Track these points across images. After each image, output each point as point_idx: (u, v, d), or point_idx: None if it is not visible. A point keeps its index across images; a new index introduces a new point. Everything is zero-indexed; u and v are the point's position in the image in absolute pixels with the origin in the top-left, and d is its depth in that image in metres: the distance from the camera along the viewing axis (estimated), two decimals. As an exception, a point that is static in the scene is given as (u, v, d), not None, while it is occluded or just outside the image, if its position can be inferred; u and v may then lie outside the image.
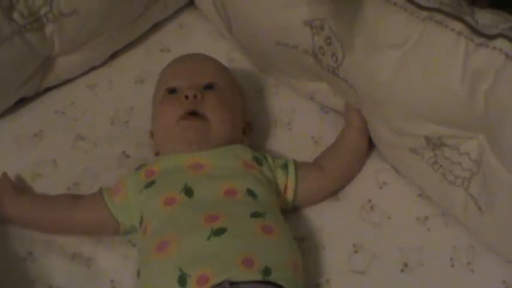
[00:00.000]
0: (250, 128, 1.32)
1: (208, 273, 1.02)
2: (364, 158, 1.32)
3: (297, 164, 1.25)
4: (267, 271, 1.04)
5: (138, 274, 1.12)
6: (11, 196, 1.25)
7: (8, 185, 1.27)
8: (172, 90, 1.27)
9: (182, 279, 1.03)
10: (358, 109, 1.29)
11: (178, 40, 1.58)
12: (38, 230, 1.24)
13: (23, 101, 1.44)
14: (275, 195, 1.21)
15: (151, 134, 1.32)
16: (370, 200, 1.27)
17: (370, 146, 1.32)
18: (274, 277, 1.04)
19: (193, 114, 1.22)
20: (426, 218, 1.23)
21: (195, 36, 1.59)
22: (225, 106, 1.24)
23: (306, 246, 1.22)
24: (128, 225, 1.20)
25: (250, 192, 1.16)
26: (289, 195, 1.24)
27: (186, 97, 1.23)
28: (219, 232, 1.07)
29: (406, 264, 1.18)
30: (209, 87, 1.26)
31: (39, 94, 1.46)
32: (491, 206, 1.08)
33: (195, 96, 1.23)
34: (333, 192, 1.28)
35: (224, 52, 1.52)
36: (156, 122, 1.29)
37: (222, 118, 1.23)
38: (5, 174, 1.29)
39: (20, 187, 1.30)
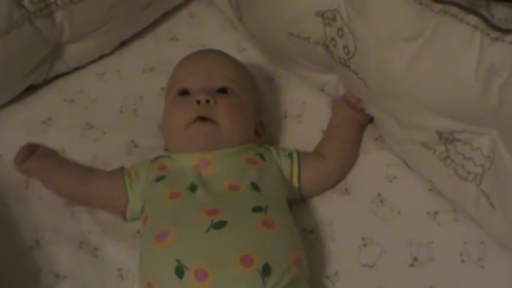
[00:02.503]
0: (262, 127, 1.31)
1: (206, 268, 1.03)
2: (355, 142, 1.32)
3: (299, 152, 1.26)
4: (265, 269, 1.03)
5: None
6: (38, 154, 1.29)
7: (38, 145, 1.32)
8: (184, 92, 1.25)
9: (179, 271, 1.03)
10: (344, 98, 1.32)
11: (188, 29, 1.57)
12: (54, 191, 1.27)
13: (31, 88, 1.44)
14: (282, 187, 1.21)
15: (162, 126, 1.32)
16: (380, 194, 1.26)
17: (380, 139, 1.32)
18: (275, 280, 1.04)
19: (203, 118, 1.21)
20: (437, 213, 1.23)
21: (205, 26, 1.58)
22: (237, 111, 1.23)
23: (315, 238, 1.22)
24: (134, 210, 1.21)
25: (254, 186, 1.16)
26: (295, 182, 1.24)
27: (198, 102, 1.21)
28: (219, 225, 1.07)
29: (415, 259, 1.18)
30: (222, 90, 1.25)
31: (48, 82, 1.46)
32: (503, 203, 1.07)
33: (207, 101, 1.21)
34: (336, 179, 1.29)
35: (234, 42, 1.52)
36: (166, 121, 1.28)
37: (233, 124, 1.22)
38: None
39: (49, 151, 1.33)
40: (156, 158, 1.25)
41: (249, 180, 1.16)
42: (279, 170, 1.23)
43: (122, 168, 1.26)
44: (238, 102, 1.24)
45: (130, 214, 1.23)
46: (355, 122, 1.32)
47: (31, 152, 1.30)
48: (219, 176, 1.17)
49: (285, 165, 1.24)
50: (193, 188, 1.15)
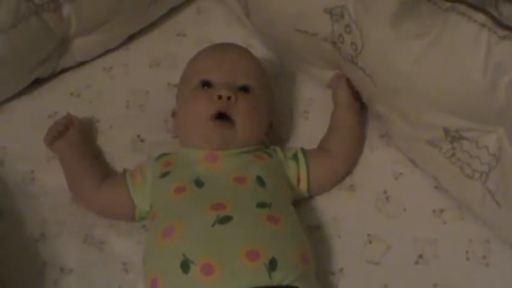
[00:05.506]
0: (271, 128, 1.30)
1: (213, 262, 1.03)
2: (359, 132, 1.32)
3: (305, 153, 1.26)
4: (272, 263, 1.04)
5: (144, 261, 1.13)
6: (66, 139, 1.29)
7: (70, 123, 1.31)
8: (207, 83, 1.24)
9: (185, 265, 1.03)
10: (343, 85, 1.31)
11: (195, 25, 1.57)
12: (67, 183, 1.27)
13: (38, 82, 1.44)
14: (286, 186, 1.21)
15: (173, 114, 1.31)
16: (385, 191, 1.26)
17: (386, 136, 1.32)
18: (282, 275, 1.04)
19: (223, 114, 1.20)
20: (442, 210, 1.23)
21: (212, 21, 1.57)
22: (256, 113, 1.23)
23: (320, 235, 1.22)
24: (143, 211, 1.20)
25: (260, 180, 1.16)
26: (303, 185, 1.24)
27: (220, 97, 1.21)
28: (224, 220, 1.07)
29: (420, 256, 1.18)
30: (245, 89, 1.24)
31: (54, 75, 1.46)
32: (509, 201, 1.07)
33: (228, 98, 1.21)
34: (345, 174, 1.28)
35: (241, 38, 1.50)
36: (183, 112, 1.26)
37: (249, 126, 1.22)
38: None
39: (78, 137, 1.31)
40: (160, 156, 1.24)
41: (255, 173, 1.16)
42: (284, 171, 1.23)
43: (124, 173, 1.25)
44: (258, 104, 1.24)
45: (139, 216, 1.22)
46: (358, 112, 1.32)
47: (60, 134, 1.29)
48: (226, 170, 1.17)
49: (291, 169, 1.23)
50: (199, 184, 1.14)
